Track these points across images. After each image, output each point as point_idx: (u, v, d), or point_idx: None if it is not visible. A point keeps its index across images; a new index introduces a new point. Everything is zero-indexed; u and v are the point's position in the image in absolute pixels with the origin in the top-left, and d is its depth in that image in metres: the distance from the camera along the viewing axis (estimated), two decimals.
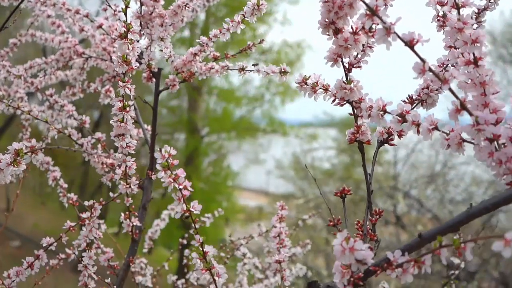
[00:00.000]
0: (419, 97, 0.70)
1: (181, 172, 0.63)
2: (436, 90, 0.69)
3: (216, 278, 0.66)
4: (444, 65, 0.71)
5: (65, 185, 1.12)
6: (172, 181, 0.63)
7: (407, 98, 0.71)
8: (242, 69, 0.95)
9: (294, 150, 10.63)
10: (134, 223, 0.98)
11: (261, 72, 0.90)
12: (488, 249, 6.26)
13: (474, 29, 0.73)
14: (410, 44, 0.51)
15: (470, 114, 0.52)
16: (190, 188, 0.64)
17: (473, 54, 0.55)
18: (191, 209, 0.64)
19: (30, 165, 1.26)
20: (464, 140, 0.55)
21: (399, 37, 0.51)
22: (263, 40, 1.01)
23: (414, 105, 0.70)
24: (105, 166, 1.04)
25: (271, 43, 10.83)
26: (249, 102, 11.37)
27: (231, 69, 0.97)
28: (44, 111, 1.23)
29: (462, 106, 0.53)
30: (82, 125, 1.11)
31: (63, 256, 1.16)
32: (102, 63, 1.20)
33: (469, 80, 0.57)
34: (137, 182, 0.92)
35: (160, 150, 0.62)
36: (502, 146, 0.53)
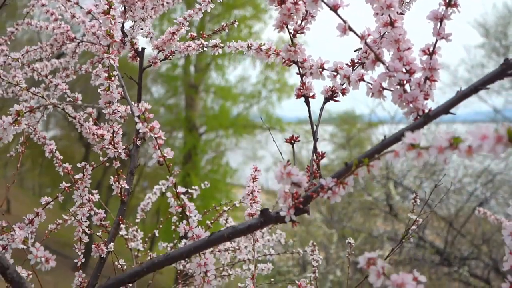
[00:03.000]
0: (359, 60, 0.82)
1: (156, 124, 0.76)
2: None
3: (188, 213, 0.78)
4: (381, 33, 0.83)
5: (61, 157, 1.24)
6: (149, 131, 0.75)
7: (349, 61, 0.83)
8: (215, 46, 1.07)
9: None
10: (123, 186, 1.10)
11: (231, 48, 1.02)
12: (480, 236, 6.40)
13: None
14: (334, 8, 0.64)
15: (384, 64, 0.64)
16: (163, 137, 0.76)
17: (389, 16, 0.67)
18: (165, 154, 0.77)
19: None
20: (384, 88, 0.68)
21: (324, 2, 0.63)
22: (235, 21, 1.13)
23: (356, 66, 0.82)
24: (96, 136, 1.16)
25: (267, 39, 10.93)
26: (246, 99, 11.50)
27: (205, 47, 1.09)
28: (40, 92, 1.35)
29: (377, 58, 0.65)
30: (75, 101, 1.23)
31: (60, 221, 1.29)
32: (92, 47, 1.32)
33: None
34: (124, 147, 1.04)
35: (138, 105, 0.74)
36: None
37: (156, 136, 0.75)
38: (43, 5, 1.34)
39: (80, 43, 1.34)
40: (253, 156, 12.14)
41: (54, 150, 1.26)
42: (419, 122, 0.61)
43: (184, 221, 0.78)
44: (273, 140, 1.12)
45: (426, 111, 0.63)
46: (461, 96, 0.59)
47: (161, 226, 1.59)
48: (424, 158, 0.50)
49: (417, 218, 1.24)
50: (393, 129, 8.84)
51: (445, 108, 0.60)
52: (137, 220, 1.54)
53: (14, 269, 0.72)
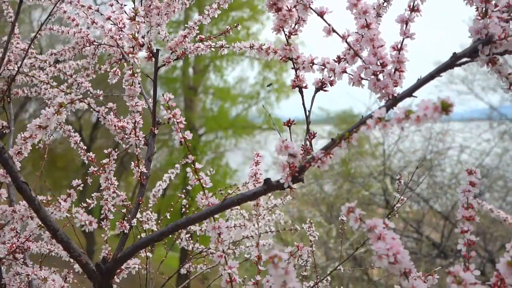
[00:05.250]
0: (344, 56, 0.98)
1: (178, 111, 0.91)
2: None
3: (204, 185, 0.94)
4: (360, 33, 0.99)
5: (85, 147, 1.40)
6: (172, 116, 0.90)
7: (336, 57, 0.99)
8: (221, 47, 1.23)
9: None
10: (142, 170, 1.26)
11: (235, 48, 1.18)
12: (475, 229, 6.57)
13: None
14: (320, 14, 0.80)
15: (361, 58, 0.80)
16: (184, 122, 0.92)
17: (366, 20, 0.83)
18: (185, 136, 0.92)
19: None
20: (362, 78, 0.84)
21: (313, 10, 0.79)
22: (238, 24, 1.29)
23: (341, 62, 0.98)
24: (116, 128, 1.31)
25: (264, 40, 11.12)
26: (244, 100, 11.67)
27: (213, 48, 1.25)
28: (64, 90, 1.51)
29: (355, 54, 0.81)
30: (97, 97, 1.39)
31: (84, 205, 1.45)
32: (110, 49, 1.47)
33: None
34: (144, 135, 1.20)
35: (163, 95, 0.90)
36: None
37: (178, 121, 0.90)
38: (64, 12, 1.50)
39: (99, 46, 1.50)
40: (253, 156, 12.25)
41: (78, 141, 1.42)
42: (388, 103, 0.77)
43: (201, 192, 0.94)
44: (276, 130, 1.28)
45: (395, 95, 0.79)
46: (421, 82, 0.75)
47: (171, 209, 1.75)
48: (388, 128, 0.66)
49: (401, 197, 1.40)
50: None
51: (409, 93, 0.76)
52: (149, 205, 1.70)
53: (63, 231, 0.87)
